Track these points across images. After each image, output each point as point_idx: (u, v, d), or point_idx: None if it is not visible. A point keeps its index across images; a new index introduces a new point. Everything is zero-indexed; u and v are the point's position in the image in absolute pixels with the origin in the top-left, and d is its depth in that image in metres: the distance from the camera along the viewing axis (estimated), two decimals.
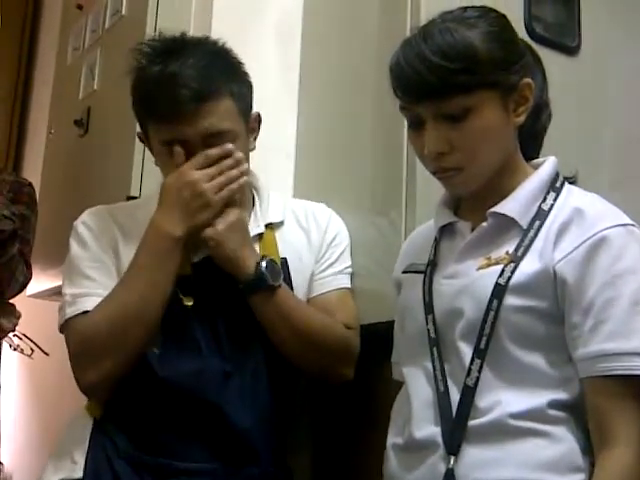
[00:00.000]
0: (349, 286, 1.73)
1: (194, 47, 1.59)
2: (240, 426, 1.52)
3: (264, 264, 1.54)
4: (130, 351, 1.52)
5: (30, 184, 2.44)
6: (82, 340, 1.54)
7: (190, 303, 1.55)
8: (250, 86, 1.66)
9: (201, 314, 1.56)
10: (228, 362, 1.54)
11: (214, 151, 1.54)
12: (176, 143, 1.55)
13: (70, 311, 1.56)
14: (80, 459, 1.53)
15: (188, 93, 1.51)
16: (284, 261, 1.65)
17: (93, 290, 1.57)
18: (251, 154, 1.68)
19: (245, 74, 1.65)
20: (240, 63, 1.65)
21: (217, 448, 1.52)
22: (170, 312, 1.54)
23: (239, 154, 1.56)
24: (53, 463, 1.58)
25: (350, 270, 1.74)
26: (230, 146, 1.55)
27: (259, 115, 1.69)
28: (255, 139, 1.69)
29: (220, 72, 1.58)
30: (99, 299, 1.54)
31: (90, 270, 1.59)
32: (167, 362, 1.53)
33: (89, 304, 1.55)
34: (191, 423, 1.52)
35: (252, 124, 1.66)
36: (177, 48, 1.58)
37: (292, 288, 1.63)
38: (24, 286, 2.33)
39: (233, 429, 1.52)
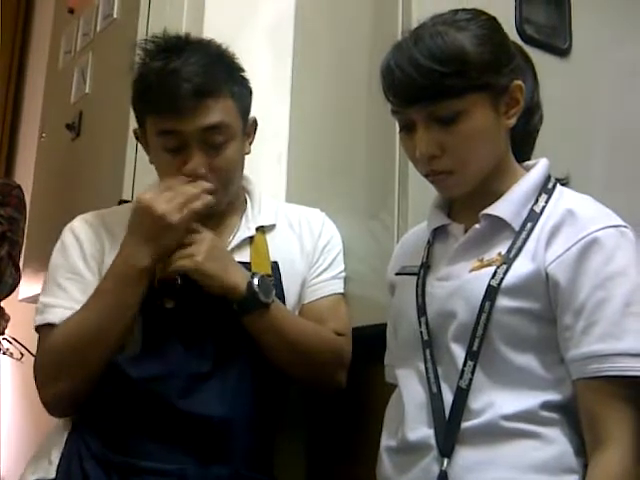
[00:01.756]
0: (342, 291, 1.73)
1: (197, 46, 1.60)
2: (212, 421, 1.50)
3: (256, 282, 1.52)
4: (86, 374, 1.52)
5: (19, 186, 2.43)
6: (41, 358, 1.56)
7: (171, 305, 1.55)
8: (250, 91, 1.66)
9: (182, 316, 1.55)
10: (209, 363, 1.53)
11: (177, 181, 1.53)
12: (173, 134, 1.55)
13: (38, 319, 1.58)
14: (56, 459, 1.53)
15: (189, 87, 1.52)
16: (275, 265, 1.65)
17: (61, 301, 1.57)
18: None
19: (246, 79, 1.65)
20: (242, 69, 1.65)
21: (188, 448, 1.49)
22: (150, 314, 1.54)
23: (206, 184, 1.54)
24: (32, 464, 1.58)
25: (343, 275, 1.74)
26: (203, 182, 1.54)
27: (255, 121, 1.69)
28: (250, 144, 1.69)
29: (222, 71, 1.59)
30: (67, 312, 1.55)
31: (64, 280, 1.60)
32: (141, 364, 1.52)
33: (55, 317, 1.56)
34: (161, 424, 1.50)
35: (249, 128, 1.67)
36: (180, 46, 1.58)
37: (283, 293, 1.63)
38: (13, 288, 2.32)
39: (204, 425, 1.50)
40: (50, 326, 1.56)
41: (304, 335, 1.60)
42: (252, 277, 1.52)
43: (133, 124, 1.67)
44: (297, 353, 1.58)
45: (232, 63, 1.64)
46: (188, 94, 1.52)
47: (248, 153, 1.68)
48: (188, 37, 1.62)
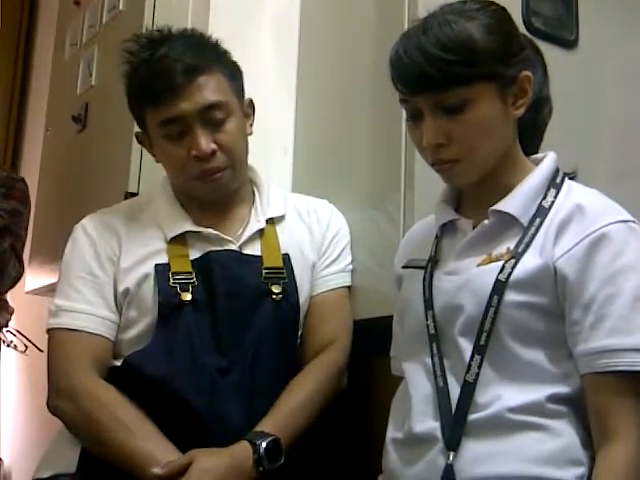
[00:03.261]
0: (349, 284, 1.73)
1: (181, 34, 1.62)
2: (233, 424, 1.50)
3: (262, 451, 1.45)
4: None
5: (23, 180, 2.43)
6: (56, 387, 1.55)
7: (188, 298, 1.55)
8: (240, 71, 1.67)
9: (199, 310, 1.55)
10: (225, 358, 1.53)
11: None
12: (174, 122, 1.55)
13: (52, 322, 1.58)
14: (74, 454, 1.53)
15: (181, 67, 1.54)
16: (286, 257, 1.65)
17: (77, 305, 1.57)
18: (250, 149, 1.68)
19: (234, 61, 1.67)
20: (228, 52, 1.66)
21: (207, 447, 1.47)
22: (167, 307, 1.54)
23: None
24: (48, 458, 1.59)
25: (350, 267, 1.75)
26: None
27: (252, 101, 1.70)
28: (251, 125, 1.69)
29: (209, 51, 1.62)
30: (82, 316, 1.55)
31: (78, 280, 1.59)
32: (157, 359, 1.52)
33: (72, 322, 1.56)
34: (178, 421, 1.49)
35: (246, 109, 1.67)
36: (164, 37, 1.60)
37: (295, 285, 1.63)
38: (16, 281, 2.31)
39: (225, 427, 1.49)
40: (64, 330, 1.55)
41: (307, 415, 1.58)
42: (255, 454, 1.45)
43: None
44: (315, 418, 1.59)
45: (217, 46, 1.66)
46: (181, 73, 1.54)
47: (250, 134, 1.68)
48: (170, 29, 1.63)
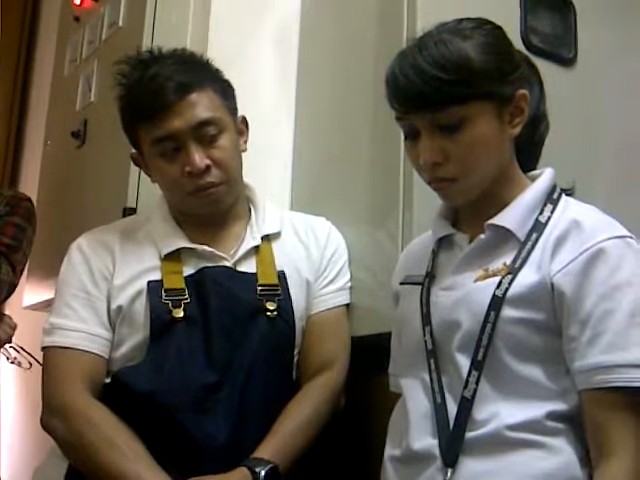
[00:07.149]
0: (347, 302, 1.73)
1: (171, 54, 1.63)
2: (220, 442, 1.49)
3: (261, 479, 1.44)
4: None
5: (29, 199, 2.42)
6: (52, 399, 1.54)
7: (180, 315, 1.55)
8: (232, 89, 1.68)
9: (191, 327, 1.55)
10: (217, 375, 1.53)
11: None
12: (167, 139, 1.56)
13: (47, 340, 1.58)
14: (63, 470, 1.53)
15: (172, 85, 1.55)
16: (282, 274, 1.64)
17: (70, 322, 1.57)
18: (248, 165, 1.68)
19: (226, 79, 1.67)
20: (219, 70, 1.67)
21: (192, 466, 1.47)
22: (159, 324, 1.54)
23: None
24: (39, 474, 1.59)
25: (349, 285, 1.75)
26: None
27: (245, 118, 1.71)
28: (245, 142, 1.70)
29: (200, 69, 1.63)
30: (75, 334, 1.55)
31: (72, 299, 1.59)
32: (146, 375, 1.51)
33: (66, 340, 1.55)
34: (166, 437, 1.49)
35: (240, 125, 1.68)
36: (154, 56, 1.62)
37: (291, 302, 1.63)
38: (10, 289, 2.29)
39: (213, 444, 1.49)
40: (57, 348, 1.55)
41: (306, 437, 1.57)
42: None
43: None
44: (313, 440, 1.59)
45: (208, 64, 1.67)
46: (173, 90, 1.55)
47: (244, 151, 1.69)
48: (160, 50, 1.64)
